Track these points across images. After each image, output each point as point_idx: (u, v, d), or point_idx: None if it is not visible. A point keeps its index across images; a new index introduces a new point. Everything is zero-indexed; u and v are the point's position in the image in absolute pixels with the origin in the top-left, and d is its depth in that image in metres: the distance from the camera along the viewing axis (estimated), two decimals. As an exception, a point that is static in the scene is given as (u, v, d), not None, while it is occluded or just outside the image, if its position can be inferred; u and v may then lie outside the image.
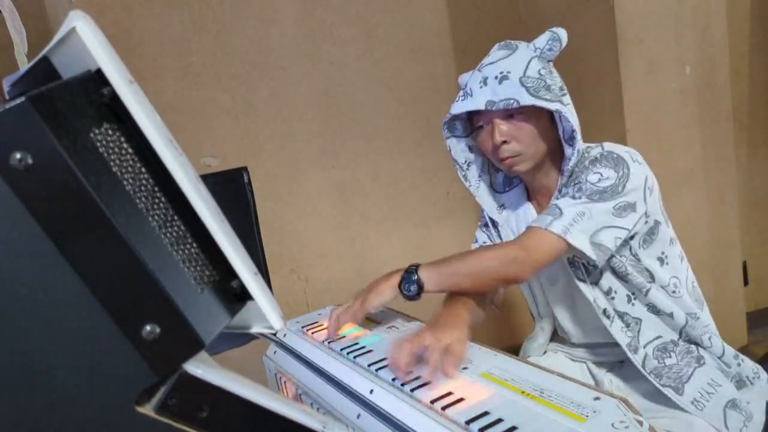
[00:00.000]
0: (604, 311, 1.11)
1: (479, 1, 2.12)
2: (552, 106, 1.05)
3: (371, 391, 0.89)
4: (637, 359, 1.10)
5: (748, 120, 2.37)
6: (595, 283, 1.12)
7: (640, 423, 0.69)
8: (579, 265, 1.10)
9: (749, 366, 1.14)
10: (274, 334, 1.18)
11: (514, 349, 1.20)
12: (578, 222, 1.00)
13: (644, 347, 1.11)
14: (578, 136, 1.06)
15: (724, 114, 1.97)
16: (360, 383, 0.92)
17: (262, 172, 1.87)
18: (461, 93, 1.15)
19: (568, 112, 1.07)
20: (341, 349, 1.05)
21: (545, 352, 1.31)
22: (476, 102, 1.09)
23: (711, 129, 1.95)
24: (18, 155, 0.37)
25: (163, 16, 1.71)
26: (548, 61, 1.11)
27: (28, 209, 0.38)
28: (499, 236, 1.28)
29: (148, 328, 0.41)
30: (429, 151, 2.12)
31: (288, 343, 1.16)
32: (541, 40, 1.10)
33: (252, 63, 1.83)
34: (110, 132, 0.43)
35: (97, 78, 0.43)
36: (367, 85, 2.00)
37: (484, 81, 1.09)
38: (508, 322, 2.22)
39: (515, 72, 1.06)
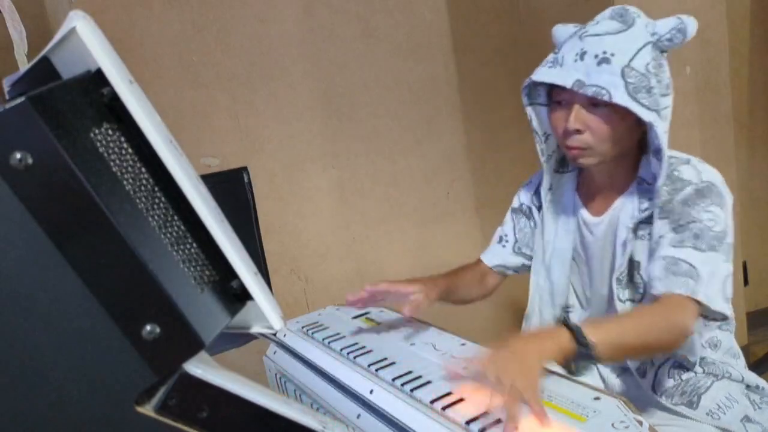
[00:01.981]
0: None
1: (479, 1, 2.12)
2: (646, 116, 0.93)
3: (371, 391, 0.89)
4: (645, 384, 1.06)
5: (748, 120, 2.37)
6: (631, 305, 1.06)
7: (640, 423, 0.69)
8: (624, 285, 1.04)
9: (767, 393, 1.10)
10: (274, 334, 1.18)
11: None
12: (712, 283, 0.92)
13: (657, 369, 1.06)
14: (664, 155, 0.95)
15: (724, 114, 1.97)
16: (360, 383, 0.92)
17: (262, 172, 1.87)
18: (551, 57, 1.01)
19: (662, 123, 0.96)
20: (341, 349, 1.05)
21: None
22: (564, 76, 0.95)
23: (711, 129, 1.95)
24: (18, 155, 0.37)
25: (163, 16, 1.71)
26: (662, 51, 0.98)
27: (28, 209, 0.38)
28: (533, 225, 1.22)
29: (148, 328, 0.41)
30: (429, 151, 2.12)
31: (288, 343, 1.16)
32: (664, 26, 0.96)
33: (252, 63, 1.83)
34: (110, 132, 0.43)
35: (97, 78, 0.43)
36: (367, 85, 2.00)
37: (582, 55, 0.95)
38: (508, 323, 2.22)
39: (620, 56, 0.93)
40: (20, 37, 1.10)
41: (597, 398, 0.76)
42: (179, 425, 0.43)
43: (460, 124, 2.14)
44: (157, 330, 0.41)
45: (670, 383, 1.06)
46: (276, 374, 1.16)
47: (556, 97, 1.02)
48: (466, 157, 2.17)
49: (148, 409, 0.42)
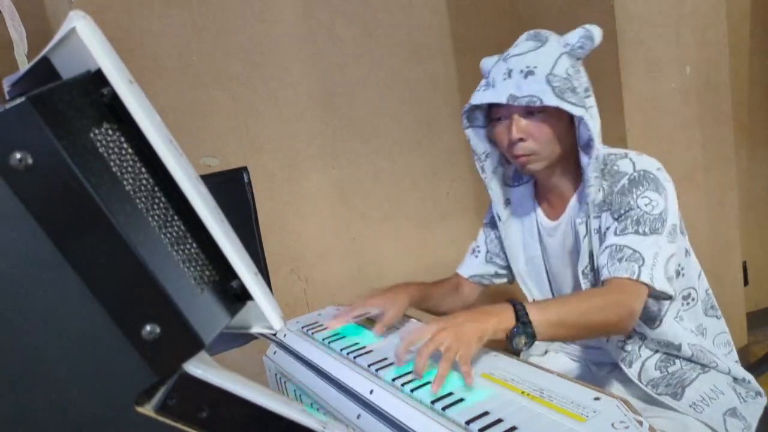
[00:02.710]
0: None
1: (479, 1, 2.12)
2: (575, 111, 1.02)
3: (371, 391, 0.89)
4: (632, 372, 1.10)
5: (748, 120, 2.37)
6: None
7: (640, 423, 0.69)
8: (591, 278, 1.09)
9: (754, 387, 1.13)
10: (274, 334, 1.18)
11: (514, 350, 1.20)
12: (656, 264, 0.98)
13: (644, 361, 1.10)
14: (596, 144, 1.03)
15: (724, 114, 1.97)
16: (360, 383, 0.92)
17: (262, 172, 1.87)
18: (483, 82, 1.11)
19: (591, 117, 1.03)
20: (341, 349, 1.05)
21: (546, 352, 1.31)
22: (498, 94, 1.05)
23: (711, 129, 1.95)
24: (18, 155, 0.37)
25: (163, 16, 1.71)
26: (577, 59, 1.07)
27: (28, 209, 0.38)
28: (498, 238, 1.29)
29: (148, 328, 0.41)
30: (429, 151, 2.12)
31: (288, 343, 1.16)
32: (573, 36, 1.06)
33: (252, 63, 1.83)
34: (110, 132, 0.43)
35: (97, 78, 0.43)
36: (367, 85, 2.00)
37: (509, 73, 1.05)
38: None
39: (542, 68, 1.03)
40: (20, 37, 1.10)
41: (597, 398, 0.76)
42: (179, 425, 0.43)
43: (460, 124, 2.14)
44: (157, 330, 0.41)
45: (656, 374, 1.09)
46: (276, 374, 1.16)
47: (494, 115, 1.11)
48: (466, 157, 2.17)
49: (148, 409, 0.42)
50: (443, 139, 2.13)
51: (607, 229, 1.04)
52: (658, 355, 1.10)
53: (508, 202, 1.24)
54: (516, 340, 0.88)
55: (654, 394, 1.07)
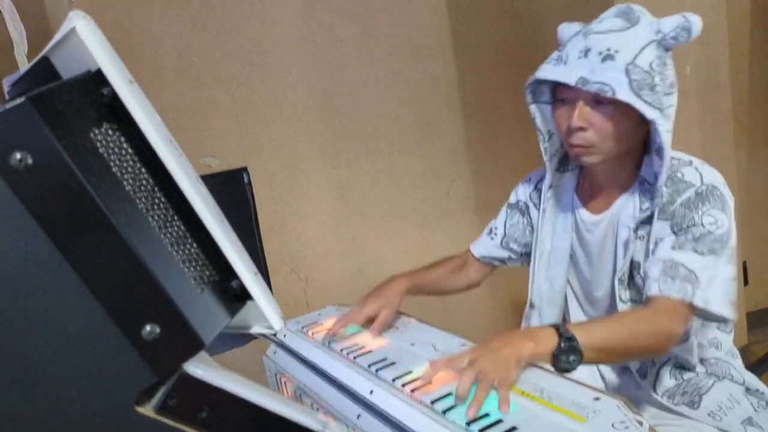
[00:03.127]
0: None
1: (479, 1, 2.12)
2: (649, 113, 0.92)
3: (371, 392, 0.89)
4: (646, 384, 1.06)
5: (748, 120, 2.37)
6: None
7: (640, 423, 0.69)
8: (627, 286, 1.05)
9: (767, 397, 1.09)
10: (274, 334, 1.18)
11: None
12: (713, 287, 0.92)
13: (659, 369, 1.06)
14: (666, 153, 0.95)
15: (724, 114, 1.97)
16: (360, 383, 0.92)
17: (262, 172, 1.87)
18: (555, 55, 1.00)
19: (665, 121, 0.95)
20: (341, 349, 1.05)
21: None
22: (568, 74, 0.95)
23: (711, 129, 1.94)
24: (18, 155, 0.37)
25: (163, 16, 1.71)
26: (667, 50, 0.97)
27: (28, 209, 0.38)
28: (528, 223, 1.23)
29: (148, 328, 0.41)
30: (429, 151, 2.12)
31: (288, 343, 1.16)
32: (668, 24, 0.95)
33: (252, 63, 1.83)
34: (110, 132, 0.43)
35: (97, 78, 0.43)
36: (367, 85, 2.00)
37: (585, 52, 0.94)
38: (508, 322, 2.22)
39: (624, 54, 0.92)
40: (20, 37, 1.10)
41: (597, 398, 0.76)
42: (179, 425, 0.43)
43: (460, 124, 2.14)
44: (157, 330, 0.41)
45: (671, 383, 1.06)
46: (276, 374, 1.15)
47: (560, 94, 1.01)
48: (466, 157, 2.17)
49: (148, 409, 0.42)
50: (443, 139, 2.13)
51: (661, 239, 0.97)
52: (672, 362, 1.06)
53: (550, 186, 1.16)
54: (563, 358, 0.82)
55: (670, 404, 1.04)
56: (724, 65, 1.95)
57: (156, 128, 0.44)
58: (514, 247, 1.26)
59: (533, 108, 1.09)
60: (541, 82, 1.05)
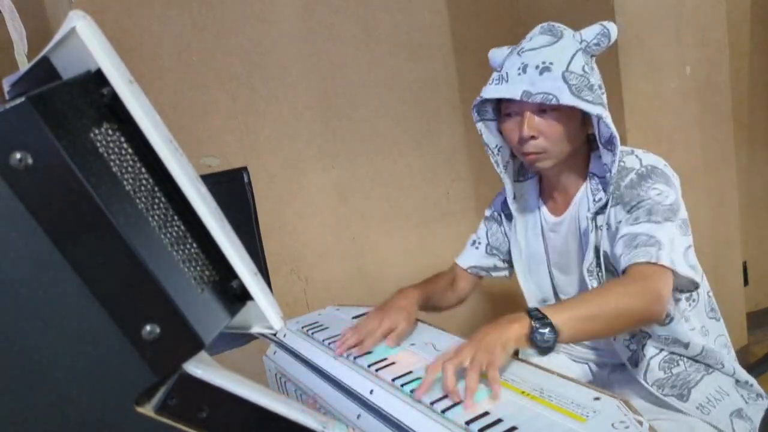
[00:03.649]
0: None
1: (479, 1, 2.12)
2: (594, 110, 0.99)
3: (371, 391, 0.89)
4: (638, 373, 1.09)
5: (748, 120, 2.37)
6: None
7: (640, 423, 0.69)
8: (597, 275, 1.08)
9: (756, 389, 1.13)
10: (274, 334, 1.18)
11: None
12: (674, 249, 0.95)
13: (649, 360, 1.09)
14: (617, 141, 1.01)
15: (724, 114, 1.97)
16: (360, 383, 0.92)
17: (262, 172, 1.87)
18: (495, 75, 1.08)
19: (609, 115, 1.02)
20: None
21: None
22: (512, 90, 1.02)
23: (711, 129, 1.95)
24: (18, 155, 0.37)
25: (163, 16, 1.71)
26: (592, 56, 1.05)
27: (28, 209, 0.38)
28: (505, 233, 1.28)
29: (148, 328, 0.41)
30: (429, 151, 2.12)
31: (288, 343, 1.16)
32: (589, 33, 1.04)
33: (252, 63, 1.83)
34: (110, 132, 0.43)
35: (97, 78, 0.43)
36: (367, 85, 2.00)
37: (524, 68, 1.02)
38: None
39: (558, 64, 1.00)
40: (20, 37, 1.10)
41: (597, 398, 0.76)
42: (179, 425, 0.43)
43: (460, 124, 2.14)
44: (157, 330, 0.41)
45: (660, 375, 1.08)
46: (276, 374, 1.16)
47: (505, 110, 1.08)
48: (466, 157, 2.17)
49: (148, 409, 0.42)
50: (443, 139, 2.13)
51: (619, 222, 1.02)
52: (662, 354, 1.09)
53: (514, 197, 1.23)
54: (538, 337, 0.84)
55: (660, 395, 1.07)
56: (724, 65, 1.95)
57: (156, 128, 0.44)
58: (498, 254, 1.31)
59: (480, 125, 1.16)
60: (485, 101, 1.12)
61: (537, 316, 0.86)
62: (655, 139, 1.85)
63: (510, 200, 1.22)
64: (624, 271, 0.96)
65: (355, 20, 1.96)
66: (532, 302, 1.25)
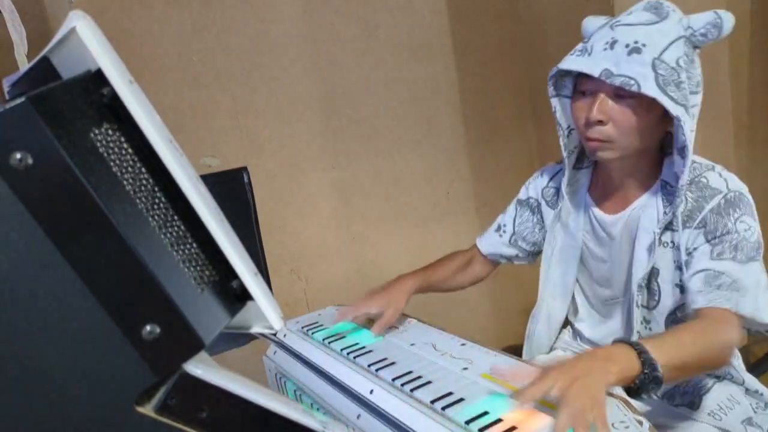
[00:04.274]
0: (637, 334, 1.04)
1: (479, 1, 2.12)
2: (674, 109, 0.89)
3: (371, 391, 0.89)
4: None
5: (748, 120, 2.37)
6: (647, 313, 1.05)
7: (640, 423, 0.69)
8: (646, 292, 1.03)
9: (766, 399, 1.09)
10: (274, 334, 1.18)
11: (514, 350, 1.20)
12: (758, 295, 0.90)
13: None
14: (689, 152, 0.92)
15: (724, 114, 1.97)
16: (360, 383, 0.92)
17: (262, 172, 1.87)
18: (579, 46, 0.97)
19: (689, 120, 0.92)
20: (341, 349, 1.05)
21: (552, 350, 1.26)
22: (592, 65, 0.92)
23: (711, 129, 1.95)
24: (18, 155, 0.37)
25: (163, 16, 1.71)
26: (695, 47, 0.95)
27: (28, 209, 0.38)
28: (536, 219, 1.21)
29: (148, 328, 0.41)
30: (429, 151, 2.12)
31: (288, 343, 1.16)
32: (699, 21, 0.92)
33: (252, 63, 1.83)
34: (110, 132, 0.43)
35: (97, 78, 0.43)
36: (367, 85, 2.00)
37: (612, 44, 0.91)
38: (508, 323, 2.22)
39: (652, 48, 0.89)
40: (20, 38, 1.10)
41: (597, 398, 0.76)
42: (179, 425, 0.43)
43: (460, 124, 2.14)
44: (157, 330, 0.41)
45: (670, 385, 1.06)
46: (276, 374, 1.16)
47: (580, 86, 0.98)
48: (466, 157, 2.17)
49: (148, 409, 0.42)
50: (443, 139, 2.13)
51: (695, 249, 0.95)
52: None
53: (568, 183, 1.14)
54: (645, 389, 0.77)
55: (671, 406, 1.04)
56: (724, 65, 1.95)
57: (156, 128, 0.44)
58: (523, 245, 1.25)
59: (554, 101, 1.06)
60: (563, 75, 1.02)
61: (647, 360, 0.77)
62: (655, 139, 1.85)
63: (564, 187, 1.12)
64: (700, 309, 0.91)
65: (355, 20, 1.96)
66: (546, 291, 1.19)
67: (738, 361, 1.12)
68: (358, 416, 0.87)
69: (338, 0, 1.92)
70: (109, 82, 0.42)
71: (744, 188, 0.97)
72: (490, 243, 1.28)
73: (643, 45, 0.90)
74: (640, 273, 1.01)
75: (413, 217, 2.12)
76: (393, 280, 1.19)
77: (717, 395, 1.05)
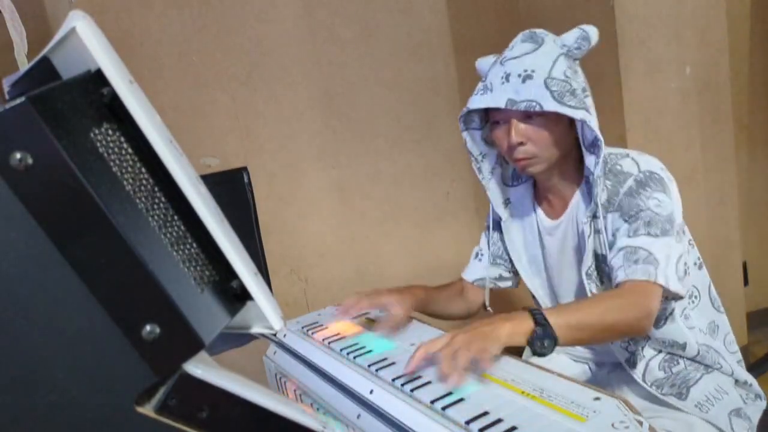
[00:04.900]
0: None
1: (479, 1, 2.12)
2: (576, 114, 1.00)
3: (371, 391, 0.89)
4: (636, 373, 1.10)
5: (748, 120, 2.37)
6: None
7: (640, 423, 0.69)
8: (595, 278, 1.09)
9: (755, 390, 1.13)
10: (274, 334, 1.18)
11: (514, 350, 1.19)
12: (669, 265, 0.98)
13: (648, 361, 1.09)
14: (602, 143, 1.02)
15: (724, 114, 1.97)
16: (360, 383, 0.92)
17: (262, 172, 1.87)
18: (480, 86, 1.10)
19: (592, 118, 1.03)
20: (341, 349, 1.05)
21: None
22: (496, 99, 1.04)
23: (711, 129, 1.95)
24: (18, 155, 0.37)
25: (163, 16, 1.71)
26: (575, 59, 1.07)
27: (28, 209, 0.38)
28: (501, 239, 1.28)
29: (148, 328, 0.41)
30: (429, 151, 2.12)
31: (288, 343, 1.16)
32: (570, 38, 1.05)
33: (252, 63, 1.83)
34: (110, 132, 0.43)
35: (97, 78, 0.43)
36: (367, 85, 2.00)
37: (506, 77, 1.04)
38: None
39: (540, 71, 1.02)
40: (20, 38, 1.10)
41: (597, 398, 0.76)
42: (179, 425, 0.43)
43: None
44: (157, 330, 0.41)
45: (660, 375, 1.09)
46: (276, 374, 1.15)
47: (492, 118, 1.10)
48: (466, 156, 2.16)
49: (148, 409, 0.42)
50: (443, 139, 2.13)
51: (617, 230, 1.04)
52: (662, 355, 1.10)
53: (507, 202, 1.24)
54: (537, 343, 0.87)
55: (659, 394, 1.07)
56: (724, 65, 1.95)
57: (156, 128, 0.44)
58: (502, 263, 1.31)
59: (465, 134, 1.20)
60: (471, 111, 1.14)
61: (540, 321, 0.88)
62: (655, 139, 1.85)
63: (500, 207, 1.24)
64: (619, 283, 0.99)
65: (355, 20, 1.96)
66: (543, 304, 1.26)
67: (734, 352, 1.15)
68: (358, 416, 0.87)
69: (338, 0, 1.93)
70: (109, 82, 0.42)
71: (657, 167, 1.06)
72: (473, 270, 1.34)
73: (533, 71, 1.02)
74: (584, 263, 1.10)
75: (413, 217, 2.12)
76: (406, 287, 1.19)
77: (705, 386, 1.08)
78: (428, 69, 2.08)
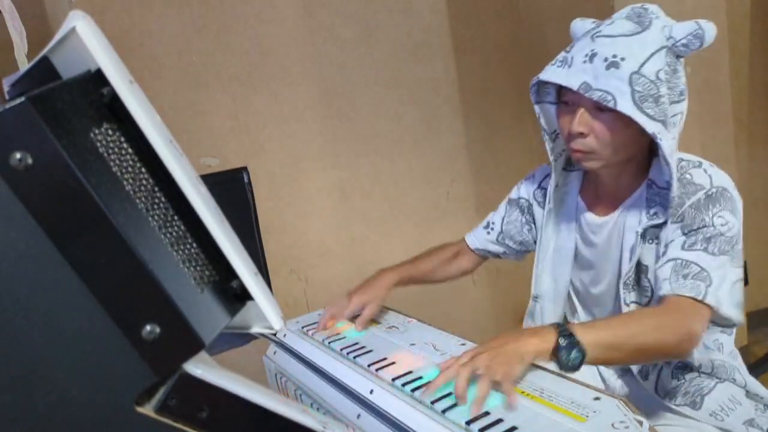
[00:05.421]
0: None
1: (479, 1, 2.12)
2: (650, 127, 0.89)
3: (371, 391, 0.89)
4: (648, 385, 1.06)
5: (748, 120, 2.37)
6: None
7: (640, 423, 0.69)
8: (631, 288, 1.03)
9: (766, 401, 1.08)
10: (274, 334, 1.18)
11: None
12: (723, 286, 0.90)
13: (660, 371, 1.06)
14: (672, 166, 0.92)
15: (724, 113, 1.97)
16: (360, 383, 0.92)
17: (262, 172, 1.87)
18: (561, 56, 0.98)
19: (668, 132, 0.92)
20: (341, 349, 1.05)
21: None
22: (571, 78, 0.93)
23: (711, 129, 1.95)
24: (18, 155, 0.37)
25: (163, 16, 1.71)
26: (677, 57, 0.95)
27: (28, 209, 0.38)
28: (528, 221, 1.22)
29: (148, 328, 0.41)
30: (429, 151, 2.12)
31: (288, 343, 1.16)
32: (680, 30, 0.93)
33: (252, 63, 1.83)
34: (110, 132, 0.43)
35: (97, 78, 0.43)
36: (367, 85, 2.00)
37: (591, 57, 0.92)
38: (508, 323, 2.22)
39: (631, 61, 0.89)
40: (20, 37, 1.10)
41: (597, 398, 0.76)
42: (179, 425, 0.43)
43: (460, 124, 2.14)
44: (157, 330, 0.41)
45: (672, 384, 1.05)
46: (276, 374, 1.15)
47: (563, 97, 1.00)
48: (466, 157, 2.17)
49: (148, 409, 0.42)
50: (443, 139, 2.13)
51: (671, 241, 0.96)
52: (672, 364, 1.06)
53: (556, 186, 1.15)
54: (563, 356, 0.80)
55: (672, 405, 1.03)
56: (724, 65, 1.95)
57: (156, 128, 0.44)
58: (510, 243, 1.26)
59: (537, 108, 1.07)
60: (545, 82, 1.02)
61: (565, 333, 0.81)
62: (655, 139, 1.85)
63: (552, 189, 1.13)
64: (663, 297, 0.91)
65: (355, 20, 1.96)
66: (539, 293, 1.20)
67: (739, 361, 1.11)
68: (358, 416, 0.87)
69: (338, 0, 1.92)
70: (109, 82, 0.42)
71: (729, 185, 0.98)
72: (478, 239, 1.30)
73: (622, 59, 0.90)
74: (624, 272, 1.03)
75: (413, 217, 2.12)
76: (373, 276, 1.19)
77: (719, 395, 1.04)
78: (428, 69, 2.08)
